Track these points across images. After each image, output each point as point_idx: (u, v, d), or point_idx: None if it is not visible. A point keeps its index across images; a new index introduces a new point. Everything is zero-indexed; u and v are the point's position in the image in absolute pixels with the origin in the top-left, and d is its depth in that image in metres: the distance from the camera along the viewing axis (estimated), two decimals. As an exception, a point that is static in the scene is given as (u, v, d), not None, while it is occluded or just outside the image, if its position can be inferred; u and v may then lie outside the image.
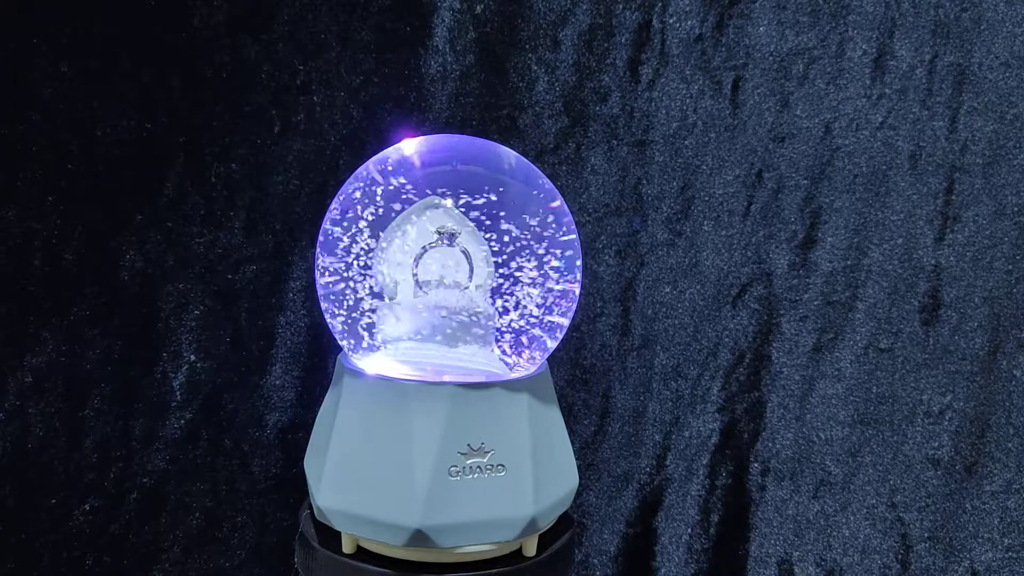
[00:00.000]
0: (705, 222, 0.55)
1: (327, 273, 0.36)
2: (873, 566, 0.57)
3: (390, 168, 0.36)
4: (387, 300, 0.35)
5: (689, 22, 0.54)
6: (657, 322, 0.56)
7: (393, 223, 0.35)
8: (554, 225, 0.36)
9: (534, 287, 0.36)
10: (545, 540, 0.36)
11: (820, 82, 0.55)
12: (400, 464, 0.32)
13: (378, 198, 0.35)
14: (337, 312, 0.36)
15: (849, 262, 0.56)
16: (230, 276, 0.51)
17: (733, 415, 0.57)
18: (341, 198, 0.37)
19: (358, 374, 0.34)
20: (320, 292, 0.37)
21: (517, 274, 0.35)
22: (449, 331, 0.35)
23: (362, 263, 0.36)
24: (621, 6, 0.53)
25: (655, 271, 0.56)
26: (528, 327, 0.36)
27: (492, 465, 0.33)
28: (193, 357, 0.51)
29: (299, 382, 0.53)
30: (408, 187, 0.35)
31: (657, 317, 0.56)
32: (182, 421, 0.51)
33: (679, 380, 0.56)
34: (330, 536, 0.34)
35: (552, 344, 0.37)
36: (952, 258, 0.56)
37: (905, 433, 0.57)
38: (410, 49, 0.52)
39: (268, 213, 0.51)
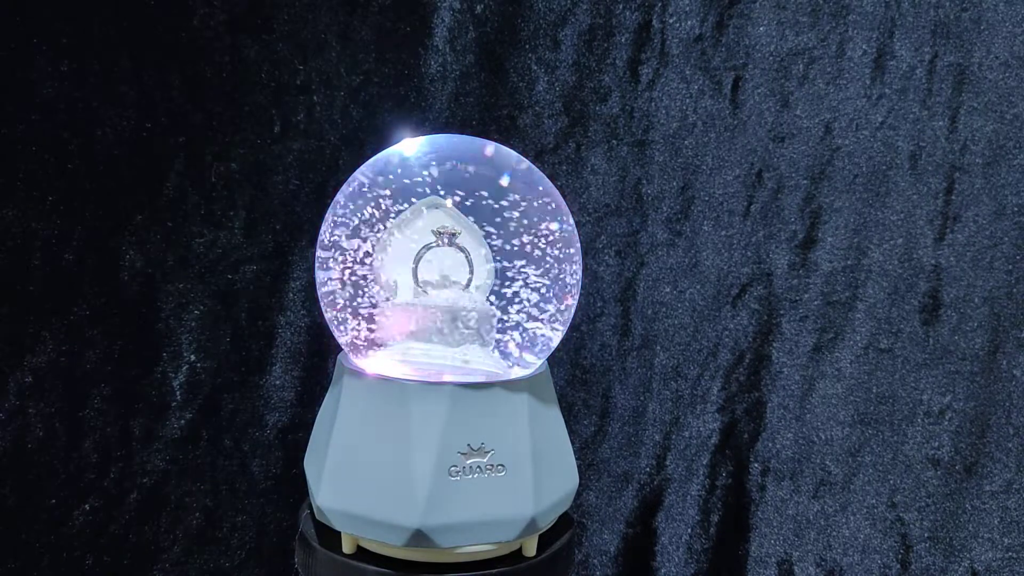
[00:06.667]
0: (705, 222, 0.55)
1: (327, 273, 0.36)
2: (873, 566, 0.57)
3: (390, 168, 0.36)
4: (387, 300, 0.35)
5: (689, 22, 0.54)
6: (657, 322, 0.56)
7: (393, 223, 0.35)
8: (554, 222, 0.36)
9: (534, 286, 0.36)
10: (545, 540, 0.36)
11: (820, 82, 0.55)
12: (400, 464, 0.32)
13: (378, 198, 0.35)
14: (337, 312, 0.36)
15: (849, 262, 0.56)
16: (230, 276, 0.51)
17: (733, 415, 0.57)
18: (341, 198, 0.37)
19: (358, 374, 0.34)
20: (320, 292, 0.37)
21: (517, 273, 0.35)
22: (449, 331, 0.35)
23: (362, 263, 0.36)
24: (621, 6, 0.53)
25: (655, 271, 0.56)
26: (528, 326, 0.36)
27: (492, 465, 0.33)
28: (193, 357, 0.51)
29: (299, 382, 0.53)
30: (407, 187, 0.35)
31: (657, 317, 0.56)
32: (182, 421, 0.51)
33: (679, 380, 0.56)
34: (330, 536, 0.34)
35: (552, 343, 0.37)
36: (952, 258, 0.56)
37: (905, 433, 0.57)
38: (410, 49, 0.52)
39: (268, 213, 0.51)
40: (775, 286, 0.56)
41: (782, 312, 0.56)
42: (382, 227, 0.35)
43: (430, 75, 0.52)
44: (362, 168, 0.37)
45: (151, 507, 0.51)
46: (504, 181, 0.36)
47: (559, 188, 0.40)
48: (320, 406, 0.37)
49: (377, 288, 0.36)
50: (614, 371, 0.56)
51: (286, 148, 0.51)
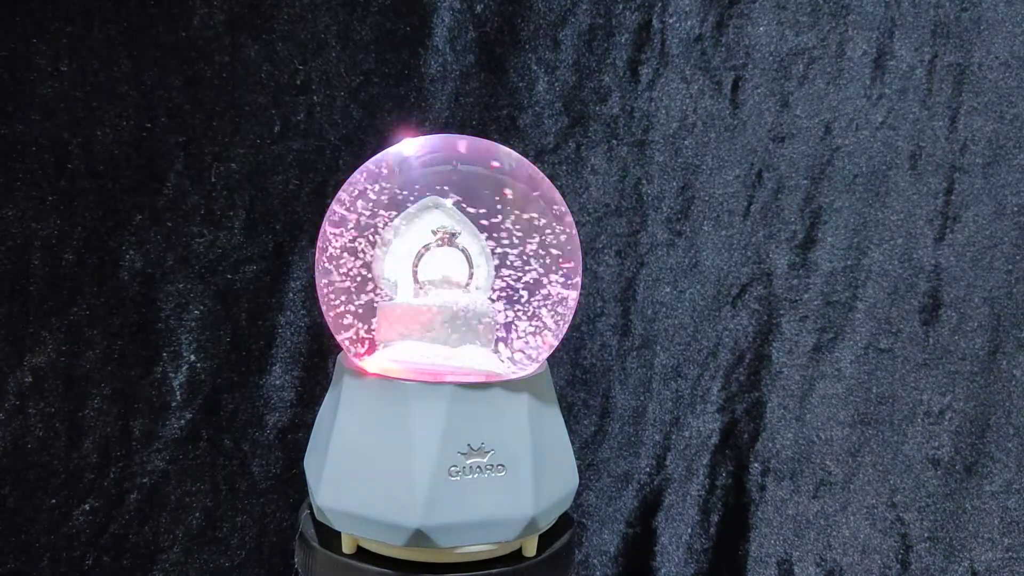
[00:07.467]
0: (705, 222, 0.55)
1: (327, 273, 0.36)
2: (873, 566, 0.57)
3: (390, 168, 0.36)
4: (387, 300, 0.35)
5: (689, 22, 0.54)
6: (657, 322, 0.56)
7: (393, 223, 0.35)
8: (554, 223, 0.36)
9: (534, 286, 0.36)
10: (545, 540, 0.36)
11: (820, 82, 0.55)
12: (400, 464, 0.32)
13: (378, 198, 0.35)
14: (337, 312, 0.36)
15: (849, 262, 0.56)
16: (230, 276, 0.51)
17: (733, 415, 0.57)
18: (341, 198, 0.37)
19: (358, 374, 0.34)
20: (320, 292, 0.37)
21: (517, 273, 0.35)
22: (449, 331, 0.35)
23: (362, 263, 0.36)
24: (621, 6, 0.53)
25: (655, 271, 0.56)
26: (528, 326, 0.36)
27: (492, 465, 0.33)
28: (193, 357, 0.51)
29: (299, 382, 0.53)
30: (408, 187, 0.35)
31: (657, 317, 0.56)
32: (182, 421, 0.51)
33: (679, 380, 0.56)
34: (330, 536, 0.34)
35: (552, 344, 0.37)
36: (952, 258, 0.56)
37: (905, 433, 0.57)
38: (410, 49, 0.52)
39: (268, 213, 0.51)
40: (775, 286, 0.56)
41: (782, 312, 0.56)
42: (382, 227, 0.35)
43: (430, 75, 0.52)
44: (362, 168, 0.37)
45: (151, 507, 0.51)
46: (505, 181, 0.36)
47: (559, 188, 0.40)
48: (320, 406, 0.37)
49: (377, 288, 0.36)
50: (614, 371, 0.56)
51: (286, 148, 0.51)
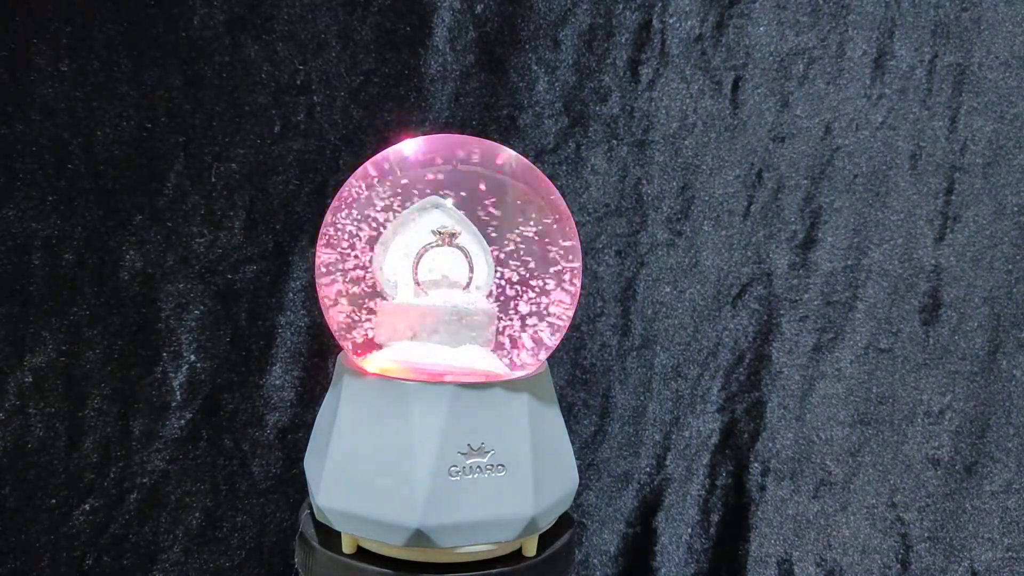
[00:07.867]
0: (705, 222, 0.55)
1: (327, 273, 0.36)
2: (873, 566, 0.57)
3: (390, 168, 0.36)
4: (387, 300, 0.35)
5: (689, 22, 0.54)
6: (657, 322, 0.56)
7: (393, 223, 0.35)
8: (554, 223, 0.36)
9: (534, 286, 0.36)
10: (545, 540, 0.36)
11: (820, 82, 0.55)
12: (400, 464, 0.32)
13: (378, 198, 0.35)
14: (336, 312, 0.36)
15: (849, 262, 0.56)
16: (230, 276, 0.51)
17: (733, 415, 0.57)
18: (341, 197, 0.37)
19: (358, 374, 0.34)
20: (320, 292, 0.37)
21: (517, 273, 0.35)
22: (449, 331, 0.35)
23: (362, 263, 0.36)
24: (621, 6, 0.53)
25: (655, 271, 0.56)
26: (528, 326, 0.36)
27: (492, 465, 0.33)
28: (193, 357, 0.51)
29: (299, 382, 0.53)
30: (408, 187, 0.35)
31: (657, 317, 0.56)
32: (182, 421, 0.51)
33: (679, 380, 0.56)
34: (330, 536, 0.34)
35: (552, 343, 0.37)
36: (952, 258, 0.56)
37: (905, 433, 0.57)
38: (410, 49, 0.52)
39: (268, 213, 0.51)
40: (775, 286, 0.56)
41: (782, 312, 0.56)
42: (382, 227, 0.35)
43: (430, 75, 0.52)
44: (362, 168, 0.37)
45: (151, 507, 0.51)
46: (505, 181, 0.36)
47: (559, 188, 0.40)
48: (320, 406, 0.37)
49: (377, 288, 0.36)
50: (614, 371, 0.56)
51: (286, 148, 0.51)
